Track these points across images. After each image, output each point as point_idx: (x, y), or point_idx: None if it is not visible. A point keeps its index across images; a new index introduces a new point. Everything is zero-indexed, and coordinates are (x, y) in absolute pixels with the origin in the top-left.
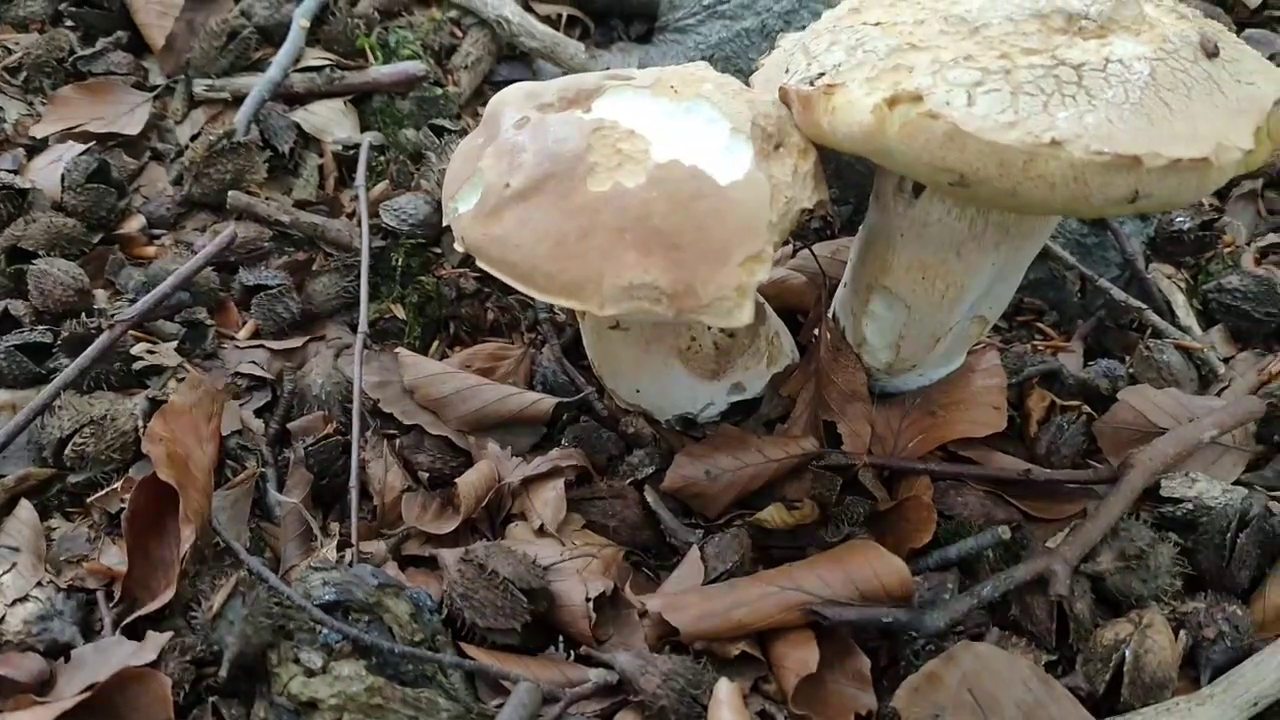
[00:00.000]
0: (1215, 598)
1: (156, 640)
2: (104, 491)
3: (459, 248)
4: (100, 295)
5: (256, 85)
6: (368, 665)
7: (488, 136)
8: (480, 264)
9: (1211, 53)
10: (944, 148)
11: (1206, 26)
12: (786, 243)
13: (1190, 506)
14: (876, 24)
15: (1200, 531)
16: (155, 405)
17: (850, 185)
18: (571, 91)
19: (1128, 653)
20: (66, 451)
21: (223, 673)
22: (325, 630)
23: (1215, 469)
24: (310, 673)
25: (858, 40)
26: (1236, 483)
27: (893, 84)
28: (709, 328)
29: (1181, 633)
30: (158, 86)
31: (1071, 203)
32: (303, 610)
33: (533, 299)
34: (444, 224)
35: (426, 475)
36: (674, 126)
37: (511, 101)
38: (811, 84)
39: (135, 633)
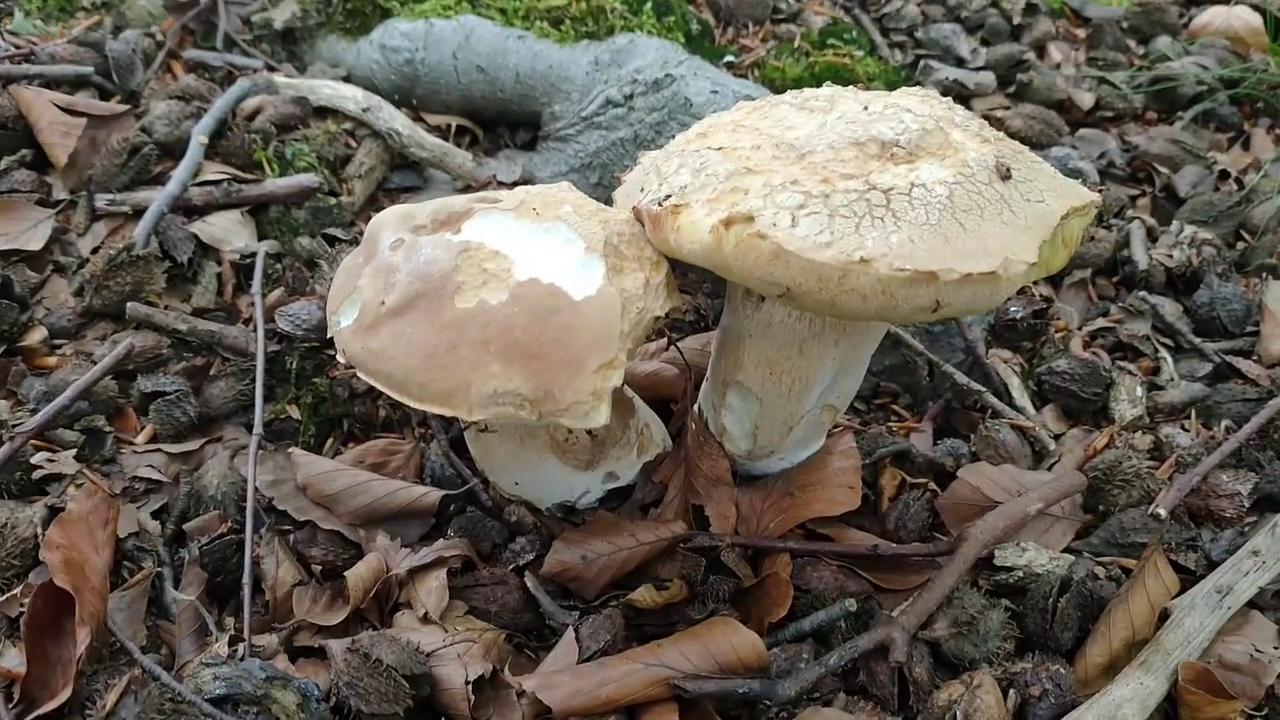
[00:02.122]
0: (1041, 658)
1: None
2: (4, 597)
3: (340, 359)
4: (2, 405)
5: (156, 199)
6: None
7: (367, 256)
8: (360, 375)
9: (1005, 176)
10: (771, 264)
11: (1005, 149)
12: (661, 334)
13: (1020, 574)
14: (719, 149)
15: (1028, 596)
16: (54, 512)
17: (722, 281)
18: (443, 214)
19: (958, 712)
20: None
21: None
22: None
23: (1047, 538)
24: None
25: (702, 164)
26: (1066, 550)
27: (730, 205)
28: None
29: (1011, 691)
30: (60, 202)
31: (882, 311)
32: (193, 705)
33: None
34: (328, 334)
35: (319, 568)
36: (535, 246)
37: (388, 224)
38: (660, 204)
39: None
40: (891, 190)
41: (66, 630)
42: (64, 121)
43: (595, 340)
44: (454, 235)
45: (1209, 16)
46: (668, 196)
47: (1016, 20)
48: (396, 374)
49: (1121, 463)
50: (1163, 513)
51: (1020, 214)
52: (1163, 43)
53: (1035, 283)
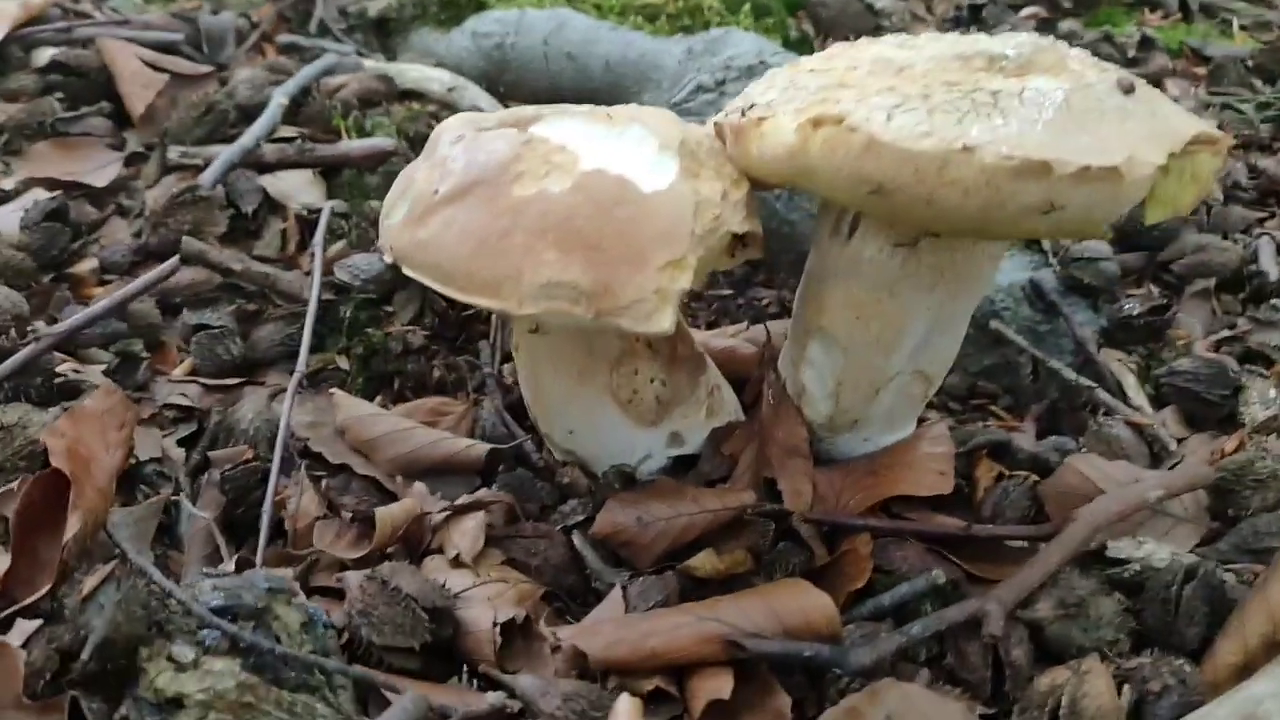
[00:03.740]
0: (1161, 654)
1: (23, 628)
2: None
3: (387, 259)
4: (41, 327)
5: (228, 149)
6: (243, 663)
7: (426, 156)
8: (406, 270)
9: (1127, 89)
10: (861, 158)
11: (1124, 74)
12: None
13: (1137, 568)
14: (811, 70)
15: (1146, 589)
16: None
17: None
18: (510, 118)
19: (1064, 698)
20: None
21: (85, 655)
22: (205, 631)
23: (1168, 540)
24: (180, 667)
25: (792, 82)
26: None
27: (819, 112)
28: (651, 379)
29: (1126, 688)
30: (134, 154)
31: (985, 211)
32: (182, 604)
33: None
34: (388, 267)
35: (350, 515)
36: (605, 143)
37: (451, 126)
38: (743, 114)
39: (7, 629)
40: (1000, 93)
41: (60, 529)
42: (146, 75)
43: (663, 235)
44: (519, 131)
45: None
46: (752, 106)
47: (1131, 54)
48: (445, 263)
49: (1254, 463)
50: None
51: (1145, 123)
52: None
53: (1154, 278)
